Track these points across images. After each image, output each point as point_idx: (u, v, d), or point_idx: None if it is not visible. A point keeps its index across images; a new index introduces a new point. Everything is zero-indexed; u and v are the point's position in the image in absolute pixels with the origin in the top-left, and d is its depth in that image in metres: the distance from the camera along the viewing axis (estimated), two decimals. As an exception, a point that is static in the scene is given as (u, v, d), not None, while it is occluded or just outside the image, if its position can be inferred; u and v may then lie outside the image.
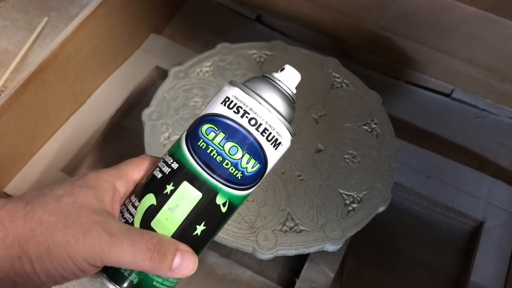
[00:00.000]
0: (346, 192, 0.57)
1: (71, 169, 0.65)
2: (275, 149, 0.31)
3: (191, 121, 0.60)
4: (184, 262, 0.29)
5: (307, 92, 0.65)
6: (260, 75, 0.33)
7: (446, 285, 0.63)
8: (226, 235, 0.52)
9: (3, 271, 0.28)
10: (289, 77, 0.33)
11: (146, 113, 0.61)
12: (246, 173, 0.31)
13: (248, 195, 0.32)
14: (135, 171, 0.33)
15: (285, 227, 0.54)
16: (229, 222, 0.53)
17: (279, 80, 0.32)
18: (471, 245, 0.64)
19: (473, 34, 0.70)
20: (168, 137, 0.60)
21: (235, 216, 0.53)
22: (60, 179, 0.62)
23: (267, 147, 0.31)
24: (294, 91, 0.33)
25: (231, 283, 0.56)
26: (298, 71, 0.34)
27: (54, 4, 0.84)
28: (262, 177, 0.32)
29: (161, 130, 0.60)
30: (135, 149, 0.61)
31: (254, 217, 0.54)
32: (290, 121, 0.32)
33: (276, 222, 0.54)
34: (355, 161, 0.60)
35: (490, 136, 0.75)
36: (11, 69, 0.74)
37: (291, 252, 0.53)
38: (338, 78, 0.67)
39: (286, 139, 0.32)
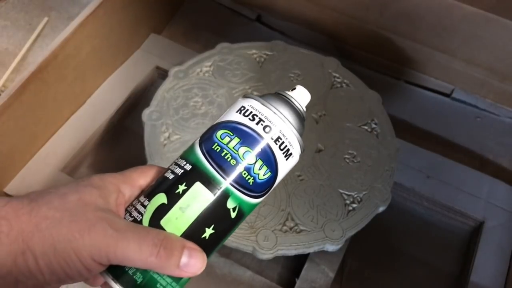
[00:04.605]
0: (346, 192, 0.57)
1: (71, 169, 0.65)
2: (286, 159, 0.32)
3: (191, 121, 0.61)
4: (192, 260, 0.29)
5: (307, 92, 0.65)
6: (273, 92, 0.34)
7: (446, 285, 0.63)
8: (226, 235, 0.52)
9: (6, 267, 0.27)
10: (301, 96, 0.34)
11: (146, 113, 0.61)
12: (257, 180, 0.31)
13: (256, 205, 0.33)
14: (141, 177, 0.33)
15: (285, 227, 0.54)
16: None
17: (291, 97, 0.33)
18: (471, 245, 0.64)
19: (473, 34, 0.70)
20: (168, 137, 0.60)
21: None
22: (60, 179, 0.62)
23: (279, 156, 0.32)
24: (305, 109, 0.34)
25: (231, 283, 0.56)
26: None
27: (54, 4, 0.84)
28: (271, 188, 0.33)
29: (161, 130, 0.60)
30: (135, 149, 0.61)
31: (254, 217, 0.54)
32: (301, 135, 0.33)
33: (276, 222, 0.54)
34: (355, 161, 0.60)
35: (490, 136, 0.75)
36: (11, 69, 0.74)
37: (291, 252, 0.53)
38: (338, 78, 0.67)
39: (296, 152, 0.33)
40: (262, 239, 0.53)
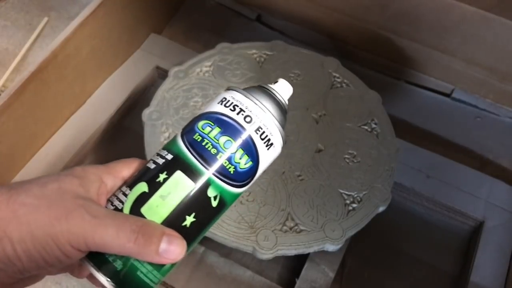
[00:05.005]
0: (346, 192, 0.57)
1: (71, 169, 0.65)
2: (268, 149, 0.32)
3: (191, 121, 0.61)
4: (172, 247, 0.29)
5: (307, 92, 0.65)
6: (256, 85, 0.35)
7: (446, 285, 0.63)
8: (226, 235, 0.52)
9: None
10: (283, 89, 0.35)
11: (146, 113, 0.61)
12: (238, 169, 0.31)
13: (238, 194, 0.33)
14: (124, 168, 0.33)
15: (285, 227, 0.54)
16: (228, 222, 0.53)
17: (273, 89, 0.34)
18: (471, 245, 0.64)
19: (473, 34, 0.70)
20: (168, 137, 0.60)
21: (235, 216, 0.54)
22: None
23: (260, 145, 0.32)
24: (287, 101, 0.35)
25: (231, 283, 0.56)
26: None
27: (54, 4, 0.84)
28: (253, 178, 0.33)
29: (161, 130, 0.60)
30: (135, 149, 0.61)
31: (254, 217, 0.54)
32: (282, 126, 0.33)
33: (276, 222, 0.54)
34: (355, 161, 0.60)
35: (490, 136, 0.75)
36: (11, 69, 0.74)
37: (291, 252, 0.53)
38: (338, 78, 0.67)
39: (278, 142, 0.33)
40: (262, 239, 0.53)
